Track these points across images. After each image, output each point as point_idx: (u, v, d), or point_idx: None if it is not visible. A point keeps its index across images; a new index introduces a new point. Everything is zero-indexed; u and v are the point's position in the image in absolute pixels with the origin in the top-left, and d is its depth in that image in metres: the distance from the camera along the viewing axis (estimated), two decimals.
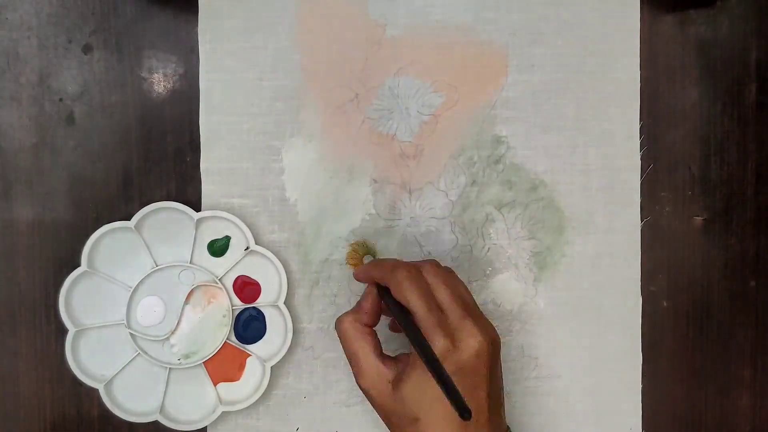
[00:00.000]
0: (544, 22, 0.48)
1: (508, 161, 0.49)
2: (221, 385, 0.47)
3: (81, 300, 0.46)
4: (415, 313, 0.38)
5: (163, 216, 0.46)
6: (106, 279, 0.46)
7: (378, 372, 0.39)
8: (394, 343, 0.47)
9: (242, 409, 0.47)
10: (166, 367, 0.47)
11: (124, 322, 0.46)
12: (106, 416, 0.47)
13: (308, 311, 0.48)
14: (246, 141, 0.48)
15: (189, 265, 0.46)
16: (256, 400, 0.46)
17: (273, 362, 0.47)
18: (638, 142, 0.49)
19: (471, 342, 0.37)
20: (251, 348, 0.47)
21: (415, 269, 0.40)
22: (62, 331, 0.46)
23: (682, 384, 0.49)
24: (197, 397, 0.47)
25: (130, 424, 0.47)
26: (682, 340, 0.49)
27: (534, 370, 0.49)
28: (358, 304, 0.42)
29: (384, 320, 0.44)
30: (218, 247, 0.47)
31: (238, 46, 0.47)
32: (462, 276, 0.48)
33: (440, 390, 0.34)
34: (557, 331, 0.49)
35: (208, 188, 0.47)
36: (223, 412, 0.46)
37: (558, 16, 0.48)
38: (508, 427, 0.40)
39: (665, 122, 0.49)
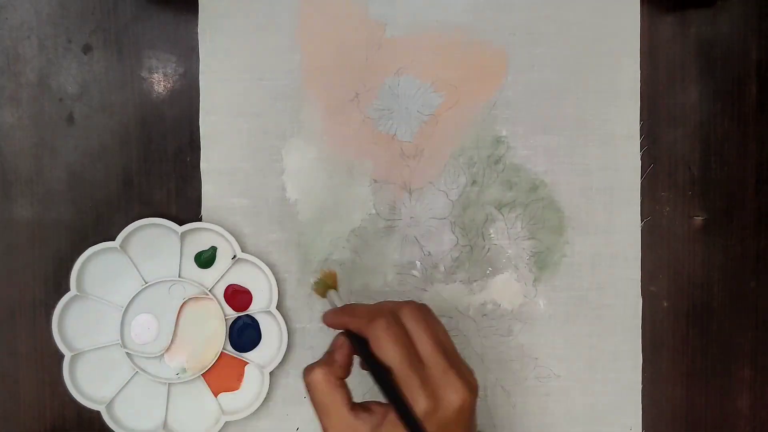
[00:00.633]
0: (544, 22, 0.48)
1: (508, 161, 0.48)
2: (222, 396, 0.47)
3: (74, 324, 0.46)
4: (395, 370, 0.35)
5: (147, 233, 0.46)
6: (97, 301, 0.46)
7: (351, 428, 0.36)
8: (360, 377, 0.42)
9: None
10: (166, 383, 0.47)
11: (119, 341, 0.46)
12: None
13: (308, 311, 0.48)
14: (246, 141, 0.48)
15: (178, 279, 0.47)
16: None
17: (271, 367, 0.47)
18: (638, 142, 0.49)
19: (454, 398, 0.35)
20: (248, 356, 0.47)
21: (393, 319, 0.37)
22: None
23: (682, 384, 0.49)
24: (199, 410, 0.47)
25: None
26: (682, 340, 0.49)
27: (534, 370, 0.49)
28: (330, 355, 0.39)
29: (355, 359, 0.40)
30: (205, 259, 0.47)
31: (238, 46, 0.47)
32: (462, 276, 0.48)
33: None
34: (557, 331, 0.49)
35: (208, 188, 0.47)
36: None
37: (558, 16, 0.48)
38: None
39: (665, 122, 0.49)
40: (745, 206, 0.50)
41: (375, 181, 0.48)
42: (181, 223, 0.46)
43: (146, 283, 0.46)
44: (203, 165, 0.47)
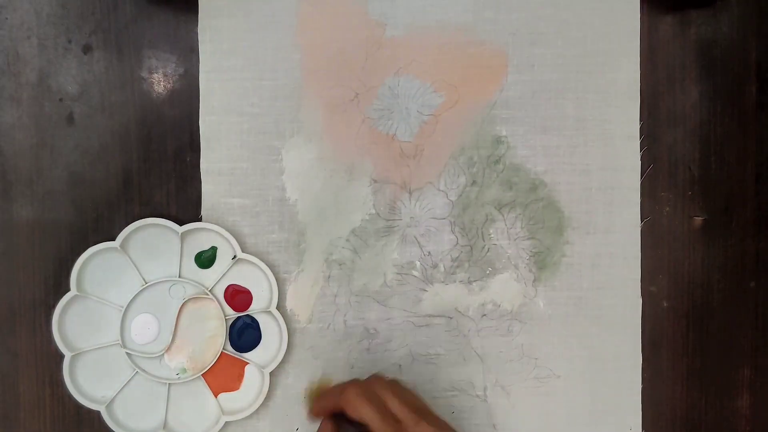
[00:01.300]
0: (544, 22, 0.48)
1: (508, 161, 0.49)
2: (222, 396, 0.47)
3: (74, 324, 0.46)
4: (370, 425, 0.38)
5: (147, 233, 0.46)
6: (97, 301, 0.46)
7: None
8: None
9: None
10: (166, 383, 0.47)
11: (119, 341, 0.46)
12: None
13: (308, 311, 0.48)
14: (246, 141, 0.48)
15: (178, 279, 0.47)
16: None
17: (271, 368, 0.47)
18: (638, 142, 0.49)
19: None
20: (248, 356, 0.47)
21: (363, 385, 0.41)
22: None
23: (682, 384, 0.49)
24: (199, 410, 0.47)
25: None
26: (682, 341, 0.49)
27: (534, 370, 0.49)
28: None
29: None
30: (205, 259, 0.47)
31: (238, 46, 0.47)
32: (462, 276, 0.48)
33: None
34: (557, 331, 0.49)
35: (208, 188, 0.47)
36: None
37: (558, 16, 0.48)
38: None
39: (665, 122, 0.49)
40: (745, 206, 0.50)
41: (375, 181, 0.48)
42: (181, 223, 0.46)
43: (146, 283, 0.46)
44: (203, 165, 0.48)
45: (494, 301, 0.49)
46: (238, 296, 0.47)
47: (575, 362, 0.49)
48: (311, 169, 0.48)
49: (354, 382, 0.41)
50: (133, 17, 0.47)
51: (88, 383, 0.46)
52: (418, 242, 0.48)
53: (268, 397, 0.47)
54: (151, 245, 0.46)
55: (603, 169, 0.49)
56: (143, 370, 0.47)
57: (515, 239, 0.49)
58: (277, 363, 0.47)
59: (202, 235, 0.47)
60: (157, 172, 0.48)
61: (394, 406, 0.40)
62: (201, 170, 0.47)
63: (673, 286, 0.49)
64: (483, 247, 0.49)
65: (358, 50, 0.48)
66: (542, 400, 0.49)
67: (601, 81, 0.48)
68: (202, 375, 0.47)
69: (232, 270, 0.47)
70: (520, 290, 0.49)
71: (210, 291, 0.47)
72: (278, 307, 0.47)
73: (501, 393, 0.49)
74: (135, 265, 0.46)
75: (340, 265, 0.48)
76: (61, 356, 0.46)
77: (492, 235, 0.49)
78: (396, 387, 0.42)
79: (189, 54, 0.48)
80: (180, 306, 0.47)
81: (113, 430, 0.46)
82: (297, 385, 0.48)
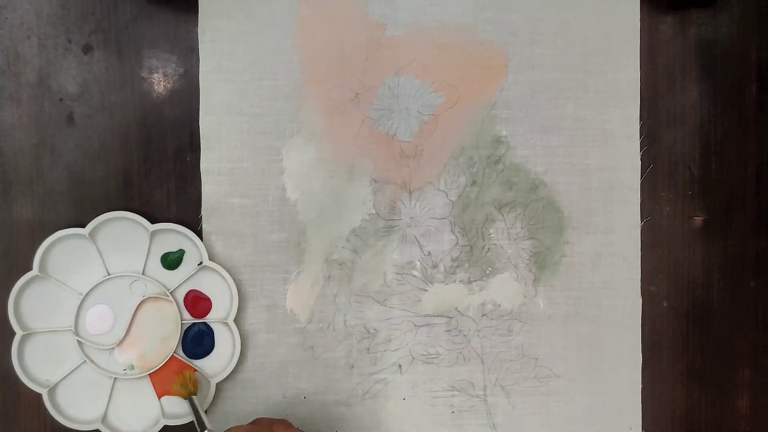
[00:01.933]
0: (544, 22, 0.48)
1: (508, 161, 0.49)
2: (165, 398, 0.47)
3: (31, 304, 0.46)
4: None
5: (118, 225, 0.46)
6: (57, 284, 0.46)
7: None
8: None
9: (243, 411, 0.47)
10: (111, 377, 0.47)
11: (72, 328, 0.46)
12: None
13: (308, 311, 0.48)
14: (246, 141, 0.48)
15: (141, 276, 0.46)
16: (255, 400, 0.46)
17: (219, 379, 0.47)
18: (638, 142, 0.49)
19: None
20: (198, 363, 0.47)
21: (251, 429, 0.40)
22: None
23: (682, 384, 0.49)
24: (140, 409, 0.47)
25: None
26: (682, 341, 0.49)
27: (534, 370, 0.49)
28: None
29: None
30: (172, 260, 0.47)
31: (238, 46, 0.47)
32: (462, 276, 0.48)
33: None
34: (557, 331, 0.49)
35: (208, 188, 0.47)
36: (222, 410, 0.46)
37: (558, 16, 0.48)
38: None
39: (665, 122, 0.49)
40: (745, 206, 0.50)
41: (375, 181, 0.48)
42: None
43: (109, 274, 0.46)
44: (203, 165, 0.48)
45: (494, 301, 0.49)
46: (198, 302, 0.47)
47: (575, 362, 0.49)
48: (311, 169, 0.48)
49: (259, 428, 0.40)
50: (133, 17, 0.47)
51: (34, 364, 0.46)
52: (418, 242, 0.48)
53: (268, 396, 0.47)
54: (120, 238, 0.46)
55: (603, 169, 0.49)
56: (91, 360, 0.46)
57: (515, 239, 0.49)
58: (226, 374, 0.47)
59: (172, 236, 0.47)
60: (157, 172, 0.48)
61: None
62: (201, 170, 0.47)
63: (673, 286, 0.49)
64: (483, 247, 0.49)
65: (358, 51, 0.48)
66: (542, 400, 0.49)
67: (601, 81, 0.48)
68: (148, 375, 0.47)
69: (196, 275, 0.47)
70: (520, 290, 0.49)
71: (171, 293, 0.47)
72: (236, 319, 0.47)
73: (501, 393, 0.49)
74: (101, 255, 0.46)
75: (340, 265, 0.48)
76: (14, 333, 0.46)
77: (492, 235, 0.49)
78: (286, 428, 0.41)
79: (189, 54, 0.48)
80: (139, 303, 0.47)
81: (51, 415, 0.46)
82: (297, 385, 0.48)
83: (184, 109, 0.48)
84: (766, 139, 0.49)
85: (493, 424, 0.49)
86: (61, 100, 0.47)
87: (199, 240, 0.46)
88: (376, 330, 0.48)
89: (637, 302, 0.49)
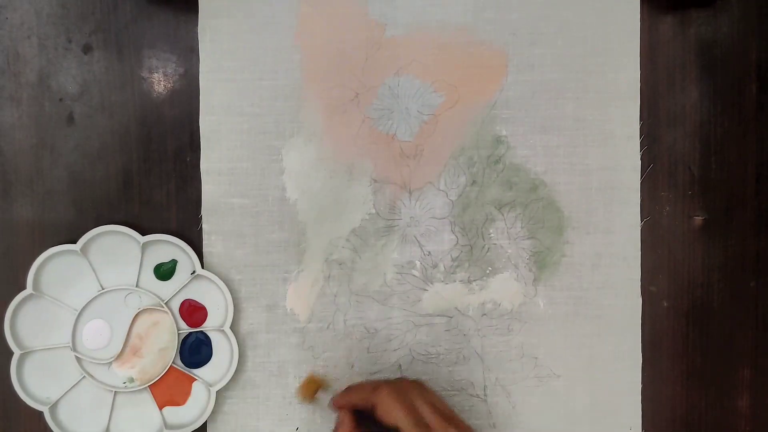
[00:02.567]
0: (544, 22, 0.48)
1: (508, 161, 0.49)
2: (167, 409, 0.47)
3: (26, 322, 0.46)
4: (402, 429, 0.39)
5: (109, 239, 0.46)
6: (52, 302, 0.46)
7: None
8: None
9: (242, 410, 0.47)
10: (112, 391, 0.47)
11: (70, 345, 0.46)
12: None
13: (308, 311, 0.48)
14: (246, 141, 0.48)
15: (135, 288, 0.47)
16: (255, 400, 0.46)
17: (219, 386, 0.47)
18: (638, 142, 0.49)
19: None
20: (198, 372, 0.47)
21: (396, 387, 0.41)
22: None
23: (682, 384, 0.49)
24: (142, 421, 0.47)
25: None
26: (682, 341, 0.49)
27: (534, 370, 0.49)
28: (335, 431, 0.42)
29: None
30: (165, 271, 0.47)
31: (238, 46, 0.47)
32: (462, 276, 0.48)
33: None
34: (557, 331, 0.49)
35: (208, 188, 0.47)
36: (222, 411, 0.46)
37: (558, 16, 0.48)
38: None
39: (665, 122, 0.49)
40: (745, 206, 0.50)
41: (375, 181, 0.48)
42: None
43: (103, 289, 0.46)
44: (203, 165, 0.48)
45: (494, 301, 0.49)
46: (193, 312, 0.47)
47: (575, 362, 0.49)
48: (311, 169, 0.48)
49: (387, 383, 0.41)
50: (133, 17, 0.47)
51: (34, 383, 0.46)
52: (418, 242, 0.48)
53: (268, 396, 0.47)
54: (111, 252, 0.46)
55: (603, 169, 0.49)
56: (91, 376, 0.46)
57: (515, 239, 0.49)
58: (226, 382, 0.47)
59: (164, 247, 0.47)
60: (157, 172, 0.48)
61: (425, 411, 0.40)
62: (201, 170, 0.48)
63: (673, 286, 0.49)
64: (483, 247, 0.49)
65: (358, 50, 0.48)
66: (542, 399, 0.49)
67: (601, 81, 0.48)
68: (149, 386, 0.47)
69: (190, 285, 0.47)
70: (520, 290, 0.49)
71: (166, 304, 0.47)
72: (232, 326, 0.47)
73: (501, 392, 0.49)
74: (94, 270, 0.46)
75: (340, 264, 0.48)
76: (11, 353, 0.46)
77: (492, 235, 0.49)
78: (425, 391, 0.42)
79: (189, 54, 0.48)
80: (134, 315, 0.47)
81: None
82: (296, 385, 0.48)
83: (184, 109, 0.48)
84: (766, 139, 0.49)
85: (493, 424, 0.49)
86: (61, 100, 0.47)
87: (191, 249, 0.46)
88: (376, 330, 0.48)
89: (637, 302, 0.49)
